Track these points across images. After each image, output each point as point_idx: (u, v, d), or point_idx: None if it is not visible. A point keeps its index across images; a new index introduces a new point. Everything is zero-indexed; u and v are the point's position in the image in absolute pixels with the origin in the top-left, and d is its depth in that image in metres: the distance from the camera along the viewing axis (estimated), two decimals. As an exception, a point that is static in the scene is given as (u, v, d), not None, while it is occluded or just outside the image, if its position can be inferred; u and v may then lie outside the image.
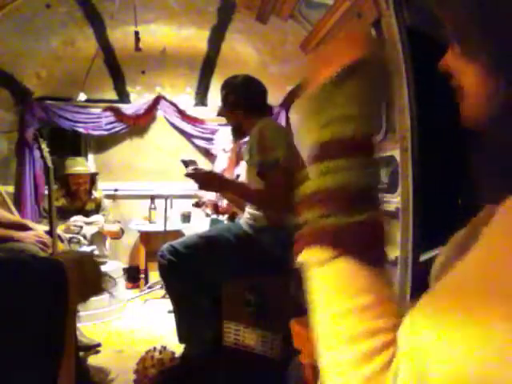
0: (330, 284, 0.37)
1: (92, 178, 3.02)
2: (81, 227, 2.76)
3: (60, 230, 2.47)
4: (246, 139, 1.95)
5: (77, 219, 2.76)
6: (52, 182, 2.12)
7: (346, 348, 0.34)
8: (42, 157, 2.23)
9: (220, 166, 3.67)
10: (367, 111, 0.38)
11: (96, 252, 2.80)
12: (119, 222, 3.09)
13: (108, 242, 3.19)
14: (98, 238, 2.88)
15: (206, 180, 1.71)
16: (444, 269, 0.43)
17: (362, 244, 0.37)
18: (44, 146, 2.22)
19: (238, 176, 3.41)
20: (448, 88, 0.48)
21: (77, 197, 2.91)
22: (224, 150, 3.78)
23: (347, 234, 0.37)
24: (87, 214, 2.89)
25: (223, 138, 3.81)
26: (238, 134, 1.98)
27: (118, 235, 3.03)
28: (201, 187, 1.75)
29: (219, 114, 1.99)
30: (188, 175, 1.73)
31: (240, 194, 1.80)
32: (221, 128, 3.87)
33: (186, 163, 1.80)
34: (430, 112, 1.84)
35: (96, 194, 3.03)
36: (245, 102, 1.86)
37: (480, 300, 0.27)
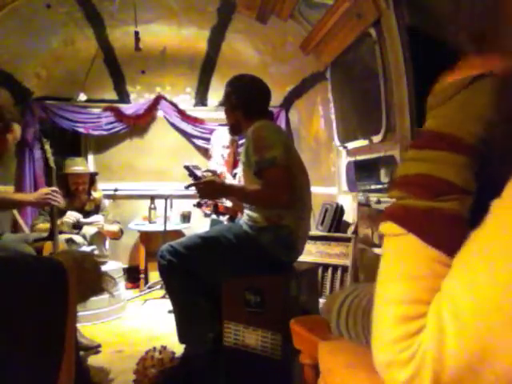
0: (394, 252, 0.42)
1: (91, 178, 3.01)
2: (78, 225, 2.76)
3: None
4: (244, 141, 1.95)
5: (72, 213, 2.75)
6: (54, 182, 2.12)
7: (390, 308, 0.40)
8: (45, 157, 2.22)
9: (217, 165, 3.66)
10: (487, 121, 0.41)
11: (96, 252, 2.80)
12: (119, 222, 3.09)
13: (108, 242, 3.18)
14: (98, 238, 2.88)
15: (208, 189, 1.71)
16: None
17: (432, 228, 0.40)
18: (47, 146, 2.21)
19: (235, 175, 3.40)
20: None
21: (76, 197, 2.90)
22: (221, 152, 3.77)
23: (418, 216, 0.41)
24: (87, 214, 2.89)
25: (220, 139, 3.81)
26: (234, 131, 2.00)
27: (117, 235, 3.03)
28: (202, 196, 1.77)
29: (222, 105, 2.00)
30: (189, 186, 1.75)
31: (240, 197, 1.81)
32: (219, 128, 3.87)
33: (189, 169, 1.80)
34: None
35: (95, 194, 3.02)
36: (245, 105, 1.87)
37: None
